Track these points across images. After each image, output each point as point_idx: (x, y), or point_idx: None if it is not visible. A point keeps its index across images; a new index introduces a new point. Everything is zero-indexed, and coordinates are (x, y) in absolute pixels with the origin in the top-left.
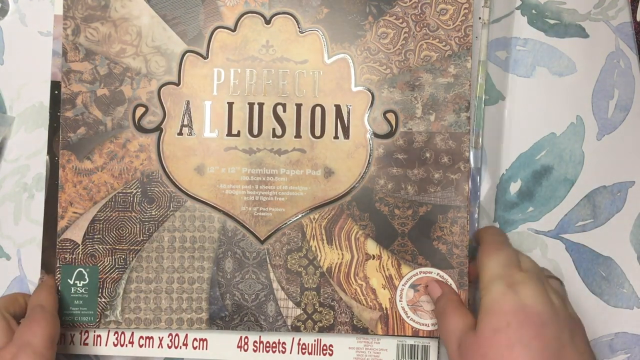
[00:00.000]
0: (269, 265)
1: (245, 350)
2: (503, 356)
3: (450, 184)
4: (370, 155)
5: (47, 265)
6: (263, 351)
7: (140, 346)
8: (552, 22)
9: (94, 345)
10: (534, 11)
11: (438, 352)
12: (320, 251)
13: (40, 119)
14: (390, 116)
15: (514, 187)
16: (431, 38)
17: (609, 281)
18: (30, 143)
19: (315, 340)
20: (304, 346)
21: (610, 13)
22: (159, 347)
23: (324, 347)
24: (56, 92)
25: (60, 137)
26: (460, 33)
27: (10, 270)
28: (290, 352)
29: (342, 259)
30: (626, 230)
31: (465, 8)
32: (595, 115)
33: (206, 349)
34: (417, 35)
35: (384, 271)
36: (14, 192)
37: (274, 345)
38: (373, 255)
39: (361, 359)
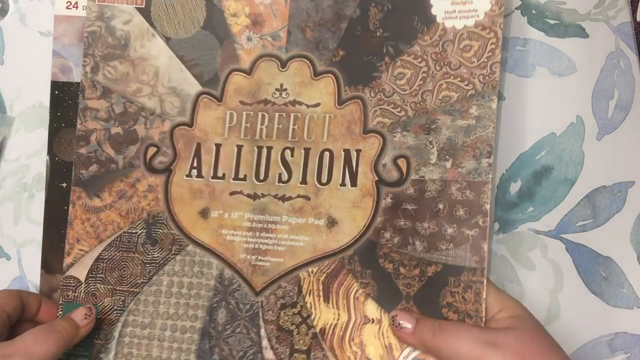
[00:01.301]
0: (260, 320)
1: None
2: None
3: (465, 240)
4: (376, 204)
5: (47, 265)
6: None
7: None
8: (552, 22)
9: None
10: (534, 11)
11: None
12: (315, 309)
13: (40, 119)
14: (402, 162)
15: (514, 187)
16: (452, 77)
17: (609, 281)
18: (30, 143)
19: None
20: None
21: (610, 13)
22: None
23: None
24: (56, 92)
25: (73, 173)
26: (486, 70)
27: (10, 270)
28: None
29: (337, 320)
30: (626, 230)
31: (492, 43)
32: (595, 115)
33: None
34: (437, 74)
35: (384, 339)
36: (14, 192)
37: None
38: (372, 319)
39: None
